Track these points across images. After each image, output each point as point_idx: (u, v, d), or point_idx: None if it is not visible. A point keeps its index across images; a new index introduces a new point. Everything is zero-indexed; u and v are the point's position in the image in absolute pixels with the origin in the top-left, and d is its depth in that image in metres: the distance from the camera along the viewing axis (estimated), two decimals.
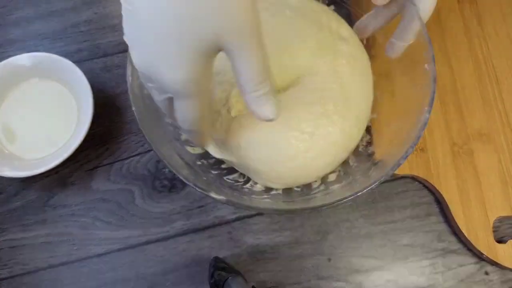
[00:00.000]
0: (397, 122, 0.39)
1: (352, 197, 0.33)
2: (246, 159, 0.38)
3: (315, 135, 0.37)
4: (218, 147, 0.39)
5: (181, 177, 0.34)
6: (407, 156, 0.34)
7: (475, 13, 0.51)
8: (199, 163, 0.41)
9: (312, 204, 0.37)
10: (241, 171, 0.41)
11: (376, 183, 0.34)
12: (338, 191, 0.38)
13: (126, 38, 0.26)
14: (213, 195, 0.34)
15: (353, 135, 0.39)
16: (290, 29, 0.40)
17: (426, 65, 0.37)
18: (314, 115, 0.38)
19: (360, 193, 0.33)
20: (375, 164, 0.38)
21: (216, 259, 0.41)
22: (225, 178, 0.41)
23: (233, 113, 0.38)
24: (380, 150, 0.40)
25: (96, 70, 0.49)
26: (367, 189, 0.34)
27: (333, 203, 0.34)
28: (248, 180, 0.41)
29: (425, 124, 0.35)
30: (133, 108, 0.36)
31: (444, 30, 0.50)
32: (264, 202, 0.39)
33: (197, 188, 0.34)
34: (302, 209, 0.37)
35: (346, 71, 0.39)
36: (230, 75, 0.36)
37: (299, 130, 0.37)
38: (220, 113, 0.39)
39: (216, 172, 0.41)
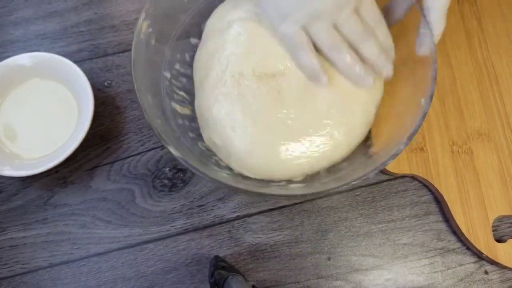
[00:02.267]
0: (396, 119, 0.39)
1: (346, 185, 0.34)
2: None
3: (317, 139, 0.38)
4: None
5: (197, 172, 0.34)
6: (402, 149, 0.34)
7: (475, 13, 0.51)
8: (213, 160, 0.41)
9: (306, 191, 0.37)
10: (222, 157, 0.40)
11: (371, 173, 0.34)
12: (331, 182, 0.38)
13: None
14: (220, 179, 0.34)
15: (357, 135, 0.40)
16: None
17: (426, 65, 0.37)
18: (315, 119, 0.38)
19: (354, 182, 0.34)
20: (371, 157, 0.39)
21: (216, 258, 0.41)
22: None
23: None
24: (377, 145, 0.40)
25: (96, 70, 0.50)
26: (362, 178, 0.34)
27: (327, 191, 0.34)
28: None
29: (424, 115, 0.35)
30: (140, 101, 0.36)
31: (444, 30, 0.50)
32: (271, 189, 0.39)
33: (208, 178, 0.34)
34: (285, 196, 0.37)
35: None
36: (227, 52, 0.39)
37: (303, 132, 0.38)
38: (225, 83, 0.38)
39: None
